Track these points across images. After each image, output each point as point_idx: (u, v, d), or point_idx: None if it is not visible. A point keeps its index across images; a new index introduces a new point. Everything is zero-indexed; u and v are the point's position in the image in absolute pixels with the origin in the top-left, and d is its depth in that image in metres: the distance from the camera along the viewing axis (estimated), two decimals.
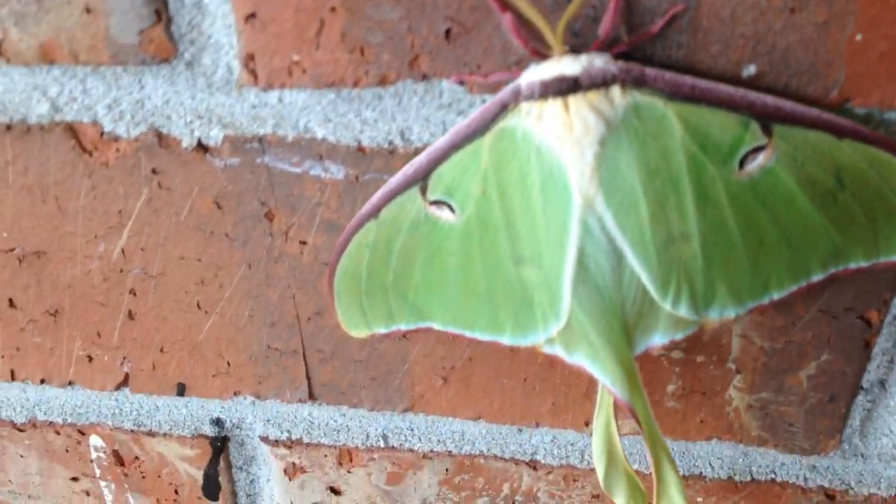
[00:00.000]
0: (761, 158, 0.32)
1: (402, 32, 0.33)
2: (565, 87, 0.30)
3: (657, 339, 0.35)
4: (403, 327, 0.39)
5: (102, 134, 0.37)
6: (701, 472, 0.45)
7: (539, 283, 0.34)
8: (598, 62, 0.30)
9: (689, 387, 0.42)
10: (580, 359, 0.36)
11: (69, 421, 0.48)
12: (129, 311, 0.43)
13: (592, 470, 0.46)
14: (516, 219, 0.33)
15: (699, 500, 0.47)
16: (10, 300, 0.43)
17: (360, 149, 0.36)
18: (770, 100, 0.31)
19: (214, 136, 0.37)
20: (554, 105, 0.30)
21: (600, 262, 0.33)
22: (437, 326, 0.39)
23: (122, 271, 0.41)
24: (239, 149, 0.37)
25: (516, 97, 0.31)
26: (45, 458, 0.50)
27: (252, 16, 0.33)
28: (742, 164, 0.32)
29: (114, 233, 0.40)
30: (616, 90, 0.30)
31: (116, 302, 0.43)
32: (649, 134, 0.31)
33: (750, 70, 0.32)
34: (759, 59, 0.32)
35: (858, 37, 0.32)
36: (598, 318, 0.34)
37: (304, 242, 0.40)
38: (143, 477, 0.50)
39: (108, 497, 0.52)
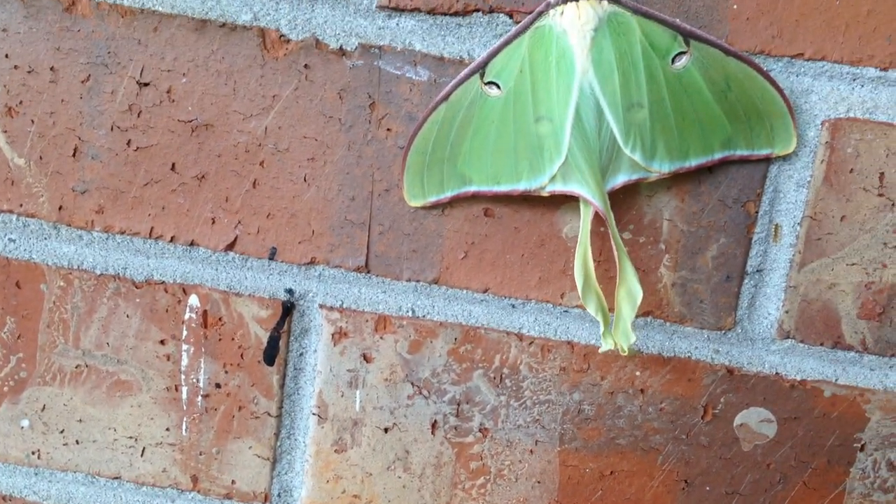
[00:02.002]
0: (684, 60, 0.55)
1: None
2: None
3: (620, 178, 0.57)
4: (449, 194, 0.60)
5: (280, 37, 0.59)
6: (639, 349, 0.64)
7: (549, 134, 0.56)
8: None
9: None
10: (574, 185, 0.56)
11: (178, 281, 0.65)
12: (254, 181, 0.62)
13: (562, 342, 0.65)
14: (539, 87, 0.56)
15: (637, 373, 0.65)
16: (173, 164, 0.62)
17: (441, 59, 0.59)
18: (687, 25, 0.55)
19: (351, 43, 0.59)
20: (571, 5, 0.53)
21: (589, 117, 0.55)
22: (473, 188, 0.60)
23: (259, 145, 0.62)
24: (364, 53, 0.59)
25: (547, 6, 0.54)
26: (146, 318, 0.66)
27: None
28: (673, 61, 0.55)
29: (264, 113, 0.61)
30: (605, 2, 0.54)
31: (247, 171, 0.62)
32: (621, 31, 0.54)
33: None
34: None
35: (735, 6, 0.57)
36: (586, 156, 0.56)
37: (389, 129, 0.61)
38: (220, 339, 0.66)
39: (185, 361, 0.67)
